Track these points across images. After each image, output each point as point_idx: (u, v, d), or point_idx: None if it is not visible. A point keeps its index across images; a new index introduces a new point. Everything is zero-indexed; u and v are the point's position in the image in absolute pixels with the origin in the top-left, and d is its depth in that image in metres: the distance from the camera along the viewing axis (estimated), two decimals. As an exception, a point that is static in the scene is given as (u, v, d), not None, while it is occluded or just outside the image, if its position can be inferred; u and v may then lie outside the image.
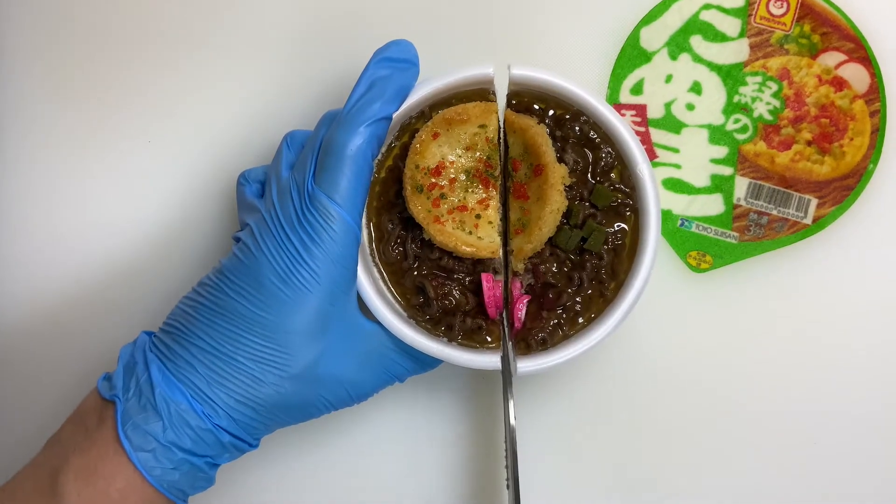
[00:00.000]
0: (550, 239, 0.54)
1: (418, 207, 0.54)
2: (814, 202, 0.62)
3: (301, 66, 0.64)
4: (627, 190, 0.54)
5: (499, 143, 0.55)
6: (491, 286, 0.54)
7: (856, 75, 0.62)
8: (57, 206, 0.65)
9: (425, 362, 0.56)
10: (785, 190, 0.62)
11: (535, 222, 0.53)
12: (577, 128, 0.54)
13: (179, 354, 0.51)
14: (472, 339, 0.55)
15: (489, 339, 0.55)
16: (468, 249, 0.53)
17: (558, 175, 0.53)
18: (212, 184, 0.64)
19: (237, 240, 0.53)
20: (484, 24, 0.64)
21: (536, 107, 0.55)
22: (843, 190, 0.61)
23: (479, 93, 0.55)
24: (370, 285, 0.54)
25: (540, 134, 0.53)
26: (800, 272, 0.62)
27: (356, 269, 0.53)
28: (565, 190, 0.53)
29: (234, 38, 0.65)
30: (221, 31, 0.65)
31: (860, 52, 0.61)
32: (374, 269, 0.56)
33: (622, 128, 0.54)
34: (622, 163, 0.54)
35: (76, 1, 0.65)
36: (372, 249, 0.56)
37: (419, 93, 0.54)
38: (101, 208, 0.65)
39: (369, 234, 0.56)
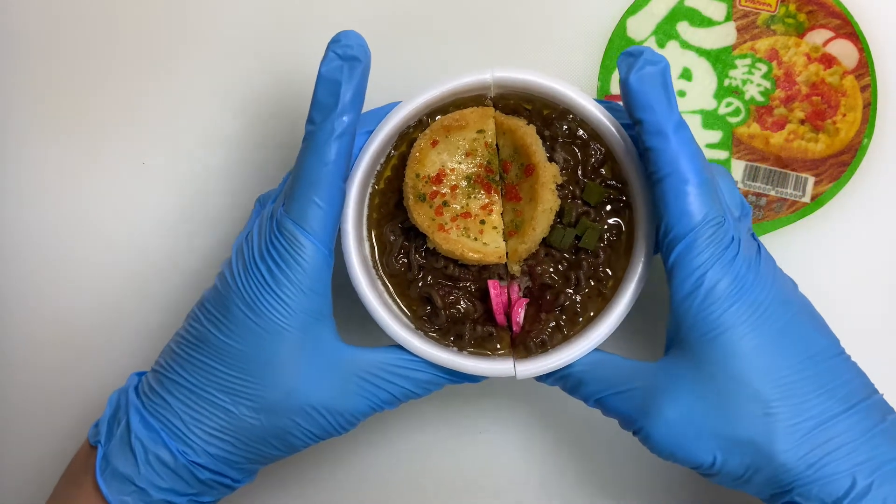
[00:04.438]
0: (545, 239, 0.54)
1: (422, 216, 0.53)
2: (811, 180, 0.62)
3: (293, 80, 0.64)
4: (620, 185, 0.54)
5: (497, 147, 0.55)
6: (498, 292, 0.54)
7: (844, 51, 0.62)
8: (52, 225, 0.65)
9: (427, 381, 0.53)
10: (781, 170, 0.62)
11: (528, 223, 0.53)
12: (564, 126, 0.54)
13: (157, 391, 0.52)
14: (483, 346, 0.54)
15: (499, 346, 0.54)
16: (475, 256, 0.53)
17: (549, 174, 0.53)
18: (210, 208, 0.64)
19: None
20: (467, 21, 0.64)
21: (526, 108, 0.55)
22: (839, 166, 0.62)
23: (476, 99, 0.55)
24: (375, 298, 0.53)
25: (529, 134, 0.53)
26: (801, 250, 0.62)
27: (329, 295, 0.51)
28: (557, 189, 0.53)
29: (227, 55, 0.65)
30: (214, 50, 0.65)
31: (847, 28, 0.62)
32: (379, 282, 0.55)
33: (607, 122, 0.53)
34: (612, 158, 0.54)
35: (65, 22, 0.65)
36: (375, 262, 0.55)
37: (416, 101, 0.53)
38: (98, 230, 0.64)
39: (371, 246, 0.55)
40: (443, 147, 0.54)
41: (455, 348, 0.54)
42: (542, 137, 0.54)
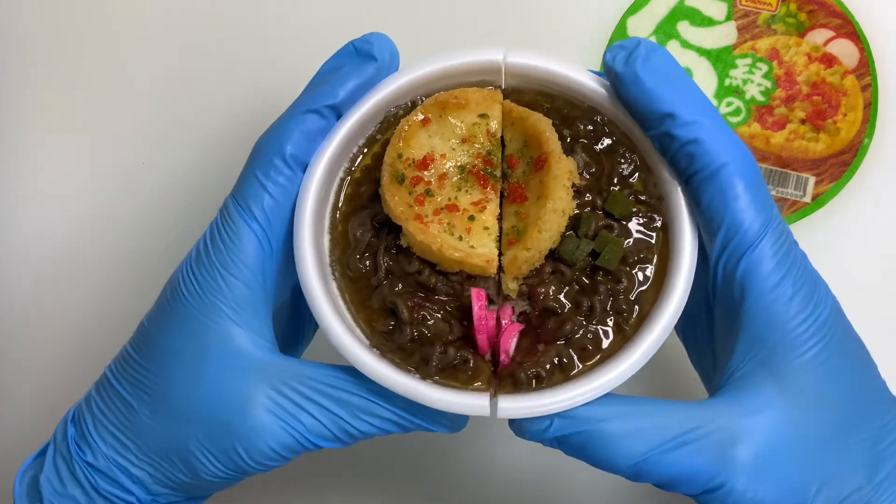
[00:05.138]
0: (553, 252, 0.43)
1: (396, 200, 0.43)
2: (812, 180, 0.62)
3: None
4: (653, 201, 0.44)
5: (502, 145, 0.46)
6: (483, 305, 0.43)
7: (844, 51, 0.62)
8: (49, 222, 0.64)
9: (364, 410, 0.42)
10: (782, 170, 0.62)
11: (534, 223, 0.42)
12: (589, 127, 0.45)
13: (94, 385, 0.46)
14: (453, 377, 0.42)
15: (475, 380, 0.42)
16: (455, 255, 0.42)
17: (564, 168, 0.43)
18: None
19: None
20: (466, 20, 0.63)
21: (544, 105, 0.46)
22: (839, 166, 0.62)
23: (483, 86, 0.46)
24: (328, 304, 0.43)
25: (543, 121, 0.44)
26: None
27: (267, 292, 0.44)
28: (574, 195, 0.44)
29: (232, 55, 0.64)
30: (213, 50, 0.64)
31: (847, 27, 0.62)
32: (334, 285, 0.45)
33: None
34: (646, 170, 0.45)
35: (62, 25, 0.65)
36: (334, 261, 0.45)
37: (407, 76, 0.45)
38: (98, 230, 0.64)
39: (331, 243, 0.45)
40: (435, 128, 0.45)
41: (417, 375, 0.42)
42: (561, 137, 0.45)
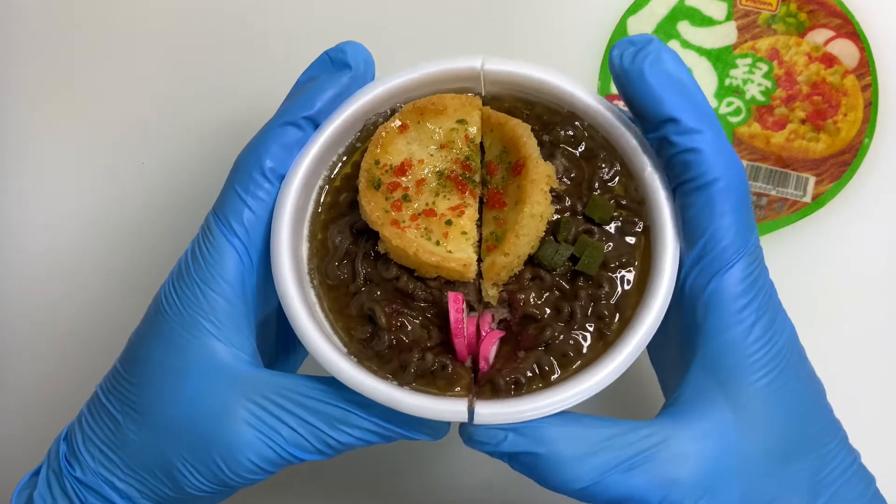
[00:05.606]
0: (532, 258, 0.43)
1: (372, 206, 0.43)
2: (812, 180, 0.62)
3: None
4: (634, 205, 0.44)
5: (481, 151, 0.46)
6: (460, 309, 0.42)
7: (845, 51, 0.62)
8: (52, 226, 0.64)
9: (341, 420, 0.42)
10: (782, 170, 0.61)
11: (512, 229, 0.42)
12: (569, 132, 0.45)
13: (82, 413, 0.47)
14: (431, 383, 0.42)
15: (454, 386, 0.42)
16: (431, 259, 0.42)
17: (542, 172, 0.43)
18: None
19: None
20: (464, 18, 0.63)
21: (524, 111, 0.46)
22: (840, 166, 0.61)
23: (462, 93, 0.46)
24: (304, 311, 0.43)
25: (520, 125, 0.44)
26: (802, 250, 0.62)
27: (248, 305, 0.44)
28: (553, 200, 0.44)
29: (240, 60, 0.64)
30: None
31: (848, 27, 0.61)
32: (312, 293, 0.45)
33: (626, 130, 0.44)
34: (627, 174, 0.45)
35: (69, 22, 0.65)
36: (311, 269, 0.45)
37: (385, 85, 0.45)
38: (99, 229, 0.64)
39: (310, 251, 0.45)
40: (414, 135, 0.45)
41: (394, 382, 0.42)
42: (541, 142, 0.45)
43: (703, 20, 0.62)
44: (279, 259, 0.43)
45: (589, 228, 0.44)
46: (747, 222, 0.42)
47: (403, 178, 0.44)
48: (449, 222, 0.44)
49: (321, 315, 0.44)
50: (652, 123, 0.42)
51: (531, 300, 0.43)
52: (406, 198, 0.44)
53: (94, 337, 0.64)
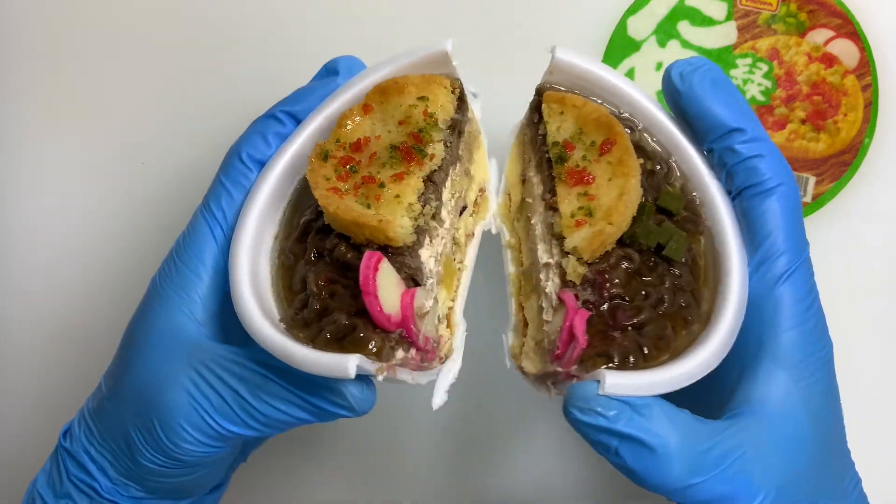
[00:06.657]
0: (621, 240, 0.43)
1: (315, 174, 0.44)
2: (812, 180, 0.62)
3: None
4: (695, 205, 0.46)
5: (538, 131, 0.48)
6: (371, 265, 0.41)
7: (845, 51, 0.62)
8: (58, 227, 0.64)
9: (260, 387, 0.42)
10: (782, 170, 0.61)
11: (619, 199, 0.43)
12: (629, 130, 0.47)
13: (88, 398, 0.49)
14: (342, 346, 0.41)
15: (364, 351, 0.40)
16: (349, 215, 0.42)
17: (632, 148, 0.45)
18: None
19: None
20: (461, 17, 0.63)
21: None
22: (840, 166, 0.61)
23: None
24: (247, 282, 0.44)
25: (602, 107, 0.46)
26: (802, 251, 0.62)
27: (210, 280, 0.46)
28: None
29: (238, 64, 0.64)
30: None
31: (848, 27, 0.61)
32: (269, 270, 0.46)
33: (682, 136, 0.46)
34: (684, 176, 0.47)
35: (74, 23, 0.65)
36: (276, 249, 0.47)
37: (370, 78, 0.47)
38: (99, 229, 0.64)
39: (282, 232, 0.47)
40: (377, 115, 0.47)
41: (309, 345, 0.41)
42: None
43: (703, 20, 0.62)
44: (239, 236, 0.45)
45: (663, 219, 0.44)
46: (802, 226, 0.44)
47: (358, 154, 0.46)
48: (382, 185, 0.44)
49: (270, 290, 0.45)
50: (716, 134, 0.45)
51: (620, 281, 0.42)
52: (353, 168, 0.45)
53: (95, 337, 0.64)
